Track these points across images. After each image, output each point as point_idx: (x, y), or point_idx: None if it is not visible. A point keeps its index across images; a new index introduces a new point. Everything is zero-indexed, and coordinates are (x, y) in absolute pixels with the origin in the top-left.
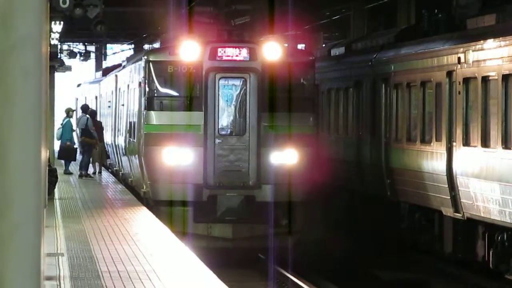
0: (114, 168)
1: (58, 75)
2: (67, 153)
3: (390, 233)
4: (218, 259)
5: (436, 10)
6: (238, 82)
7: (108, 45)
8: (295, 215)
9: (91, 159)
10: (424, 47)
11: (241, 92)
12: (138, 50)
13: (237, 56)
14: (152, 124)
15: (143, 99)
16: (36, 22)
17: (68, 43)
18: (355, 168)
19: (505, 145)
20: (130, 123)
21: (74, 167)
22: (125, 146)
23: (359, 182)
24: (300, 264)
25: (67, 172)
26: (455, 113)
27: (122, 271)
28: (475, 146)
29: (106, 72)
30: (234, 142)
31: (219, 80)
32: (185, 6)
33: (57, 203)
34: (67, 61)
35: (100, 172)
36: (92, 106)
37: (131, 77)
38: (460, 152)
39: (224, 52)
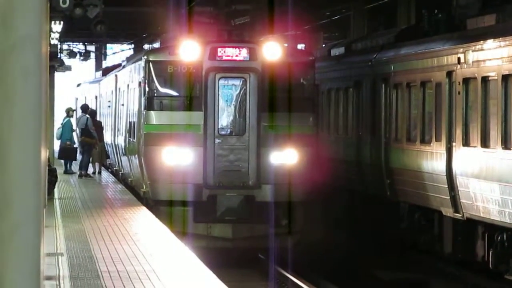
0: (114, 168)
1: (58, 75)
2: (67, 153)
3: (390, 233)
4: (218, 259)
5: (436, 10)
6: (238, 82)
7: (108, 45)
8: (295, 215)
9: (90, 159)
10: (424, 47)
11: (241, 92)
12: (138, 50)
13: (237, 56)
14: (152, 124)
15: (143, 99)
16: (36, 22)
17: (68, 43)
18: (355, 168)
19: (505, 145)
20: (130, 123)
21: (74, 166)
22: (125, 146)
23: (359, 182)
24: (300, 264)
25: (69, 172)
26: (455, 113)
27: (121, 271)
28: (475, 146)
29: (106, 72)
30: (234, 142)
31: (219, 80)
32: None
33: (56, 203)
34: (67, 61)
35: (99, 172)
36: (92, 106)
37: (131, 77)
38: (460, 152)
39: (224, 52)
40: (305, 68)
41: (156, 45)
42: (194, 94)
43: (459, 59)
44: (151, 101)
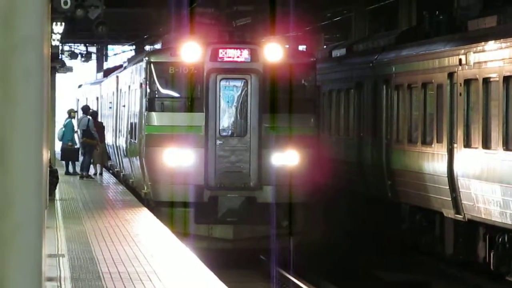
0: (115, 169)
1: (59, 76)
2: (69, 154)
3: (391, 234)
4: (219, 260)
5: (437, 12)
6: (239, 83)
7: (109, 46)
8: (296, 216)
9: (92, 160)
10: (425, 48)
11: (242, 93)
12: (139, 51)
13: (238, 57)
14: (153, 125)
15: (144, 100)
16: (37, 23)
17: (69, 44)
18: (356, 169)
19: (506, 146)
20: (131, 124)
21: (77, 168)
22: (126, 147)
23: (360, 183)
24: (301, 265)
25: (73, 173)
26: (456, 115)
27: (123, 272)
28: (476, 148)
29: (107, 73)
30: (235, 143)
31: (220, 81)
32: (186, 7)
33: (58, 204)
34: (68, 62)
35: (101, 173)
36: (93, 107)
37: (132, 78)
38: (461, 154)
39: (226, 53)
40: (306, 69)
41: (158, 46)
42: (196, 95)
43: (460, 60)
44: (152, 102)
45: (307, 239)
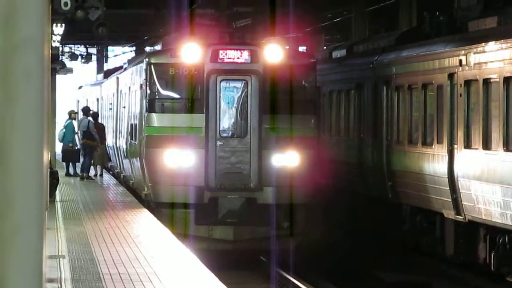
0: (116, 170)
1: (59, 77)
2: (70, 155)
3: (392, 235)
4: (219, 261)
5: (437, 13)
6: (239, 84)
7: (110, 47)
8: (297, 217)
9: (92, 161)
10: (426, 49)
11: (243, 94)
12: (139, 52)
13: (238, 58)
14: (153, 126)
15: (144, 101)
16: (38, 24)
17: (70, 46)
18: (357, 170)
19: (507, 147)
20: (132, 125)
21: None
22: (126, 148)
23: (360, 184)
24: (302, 266)
25: (73, 174)
26: (456, 116)
27: (123, 273)
28: (476, 149)
29: (108, 74)
30: (235, 144)
31: (220, 82)
32: (186, 8)
33: (58, 205)
34: (69, 63)
35: (101, 174)
36: (93, 108)
37: (133, 79)
38: (462, 155)
39: (226, 54)
40: (307, 70)
41: (158, 47)
42: (196, 96)
43: (460, 61)
44: (152, 103)
45: (308, 240)
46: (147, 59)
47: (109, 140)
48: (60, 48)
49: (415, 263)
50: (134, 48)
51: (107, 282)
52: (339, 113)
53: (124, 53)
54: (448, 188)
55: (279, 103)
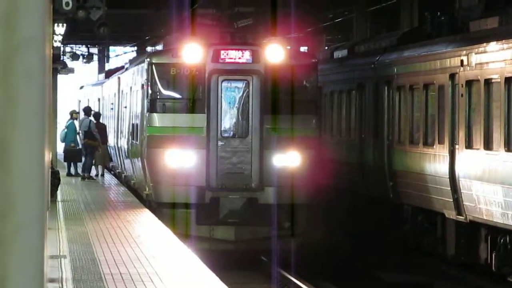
0: (117, 170)
1: (61, 77)
2: (72, 155)
3: (393, 235)
4: (221, 261)
5: (439, 13)
6: (241, 85)
7: (111, 47)
8: (298, 217)
9: (93, 161)
10: (427, 49)
11: (244, 95)
12: (141, 52)
13: (240, 58)
14: (154, 126)
15: (145, 101)
16: (39, 24)
17: (71, 45)
18: (358, 170)
19: (508, 147)
20: (133, 125)
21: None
22: (127, 148)
23: (361, 184)
24: (303, 266)
25: (75, 174)
26: (457, 116)
27: (124, 273)
28: (477, 149)
29: (109, 74)
30: (236, 144)
31: (222, 83)
32: (188, 8)
33: (59, 205)
34: (70, 63)
35: (102, 174)
36: (94, 108)
37: (134, 79)
38: (463, 155)
39: (227, 54)
40: (308, 71)
41: (159, 47)
42: (197, 97)
43: (462, 61)
44: (154, 104)
45: (309, 240)
46: (148, 59)
47: (111, 140)
48: (62, 48)
49: (416, 263)
50: (135, 48)
51: (109, 282)
52: (340, 113)
53: (125, 53)
54: (449, 188)
55: (281, 103)
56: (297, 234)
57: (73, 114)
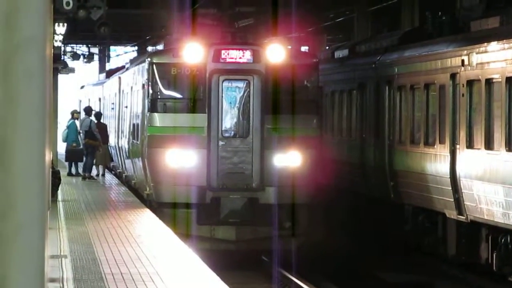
0: (118, 170)
1: (61, 77)
2: (73, 155)
3: (394, 235)
4: (222, 261)
5: (440, 12)
6: (241, 84)
7: (112, 47)
8: (299, 217)
9: (94, 161)
10: (428, 49)
11: (245, 94)
12: (141, 52)
13: (240, 58)
14: (155, 126)
15: (146, 101)
16: (40, 24)
17: (72, 45)
18: (359, 170)
19: (509, 147)
20: (134, 125)
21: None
22: (128, 148)
23: (362, 184)
24: (304, 266)
25: (75, 174)
26: (458, 116)
27: (125, 273)
28: (478, 149)
29: (110, 74)
30: (237, 144)
31: (222, 82)
32: (189, 8)
33: (60, 205)
34: (71, 63)
35: (103, 174)
36: (95, 108)
37: (135, 79)
38: (464, 155)
39: (228, 54)
40: (309, 70)
41: (160, 47)
42: (198, 96)
43: (463, 61)
44: (154, 103)
45: (310, 240)
46: (149, 59)
47: (111, 140)
48: (62, 48)
49: (417, 263)
50: (136, 47)
51: (109, 282)
52: (341, 113)
53: (126, 52)
54: (450, 188)
55: (281, 103)
56: (298, 234)
57: (74, 114)
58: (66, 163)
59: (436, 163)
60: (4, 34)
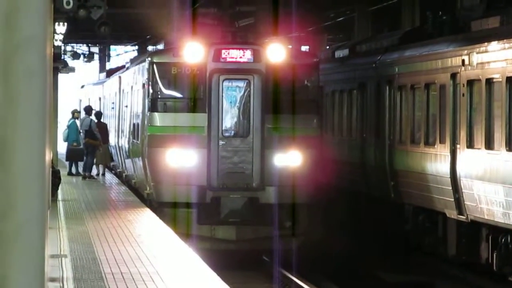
0: (118, 170)
1: (61, 76)
2: (74, 154)
3: (394, 235)
4: (222, 261)
5: (440, 12)
6: (242, 84)
7: (112, 47)
8: (299, 217)
9: (94, 161)
10: (428, 49)
11: (245, 94)
12: (141, 51)
13: (241, 57)
14: (155, 125)
15: (146, 100)
16: (40, 23)
17: (72, 45)
18: (359, 170)
19: (509, 147)
20: (134, 124)
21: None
22: (128, 148)
23: (363, 184)
24: (304, 266)
25: (76, 173)
26: (459, 115)
27: (125, 272)
28: (479, 148)
29: (110, 73)
30: (237, 144)
31: (223, 82)
32: (189, 7)
33: (60, 204)
34: (71, 62)
35: (103, 174)
36: (95, 107)
37: (135, 79)
38: (464, 154)
39: (228, 53)
40: (309, 70)
41: (160, 46)
42: (198, 96)
43: (463, 61)
44: (155, 103)
45: (310, 240)
46: (149, 58)
47: (112, 139)
48: (62, 47)
49: (417, 263)
50: (136, 47)
51: (109, 281)
52: (341, 112)
53: (126, 52)
54: (450, 188)
55: (282, 103)
56: (298, 233)
57: (75, 114)
58: (66, 163)
59: (436, 162)
60: (4, 34)
